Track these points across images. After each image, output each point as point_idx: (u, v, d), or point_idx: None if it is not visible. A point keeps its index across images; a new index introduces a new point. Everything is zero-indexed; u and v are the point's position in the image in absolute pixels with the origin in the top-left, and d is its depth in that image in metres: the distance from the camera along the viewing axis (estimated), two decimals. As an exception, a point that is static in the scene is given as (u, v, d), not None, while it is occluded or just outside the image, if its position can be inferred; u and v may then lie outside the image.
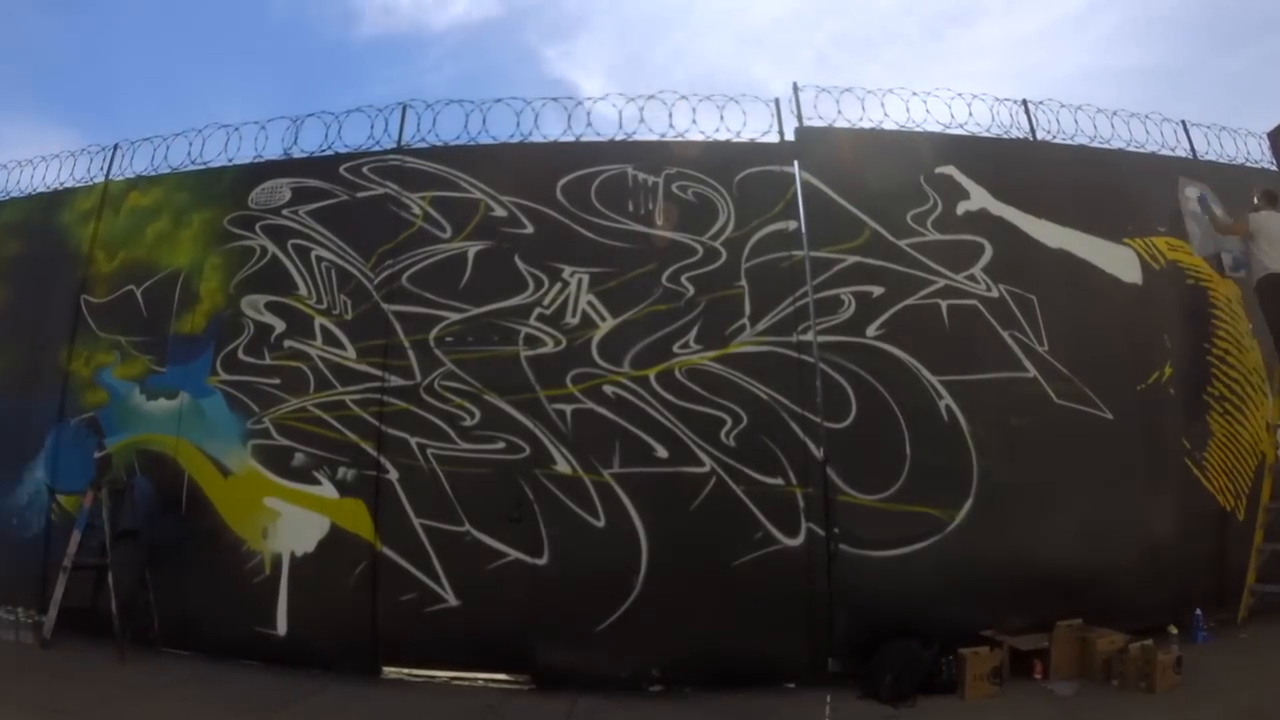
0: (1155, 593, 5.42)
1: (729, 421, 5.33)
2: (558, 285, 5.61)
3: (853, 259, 5.63)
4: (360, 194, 5.98)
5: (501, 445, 5.39)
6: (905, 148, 5.98)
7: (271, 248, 6.01)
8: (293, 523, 5.53)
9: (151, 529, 5.67)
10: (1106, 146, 6.38)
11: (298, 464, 5.60)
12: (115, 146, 6.81)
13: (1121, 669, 4.64)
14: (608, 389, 5.41)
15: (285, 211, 6.06)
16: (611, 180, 5.79)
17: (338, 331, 5.76)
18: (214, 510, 5.66)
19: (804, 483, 5.26)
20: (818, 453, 5.32)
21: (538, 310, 5.58)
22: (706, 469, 5.27)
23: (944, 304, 5.63)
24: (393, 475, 5.44)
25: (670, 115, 5.91)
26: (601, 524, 5.23)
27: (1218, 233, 6.28)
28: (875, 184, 5.80)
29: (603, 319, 5.53)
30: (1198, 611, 5.22)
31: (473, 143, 6.00)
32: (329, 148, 6.17)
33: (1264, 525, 5.57)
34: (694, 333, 5.47)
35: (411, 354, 5.60)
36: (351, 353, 5.70)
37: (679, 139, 5.92)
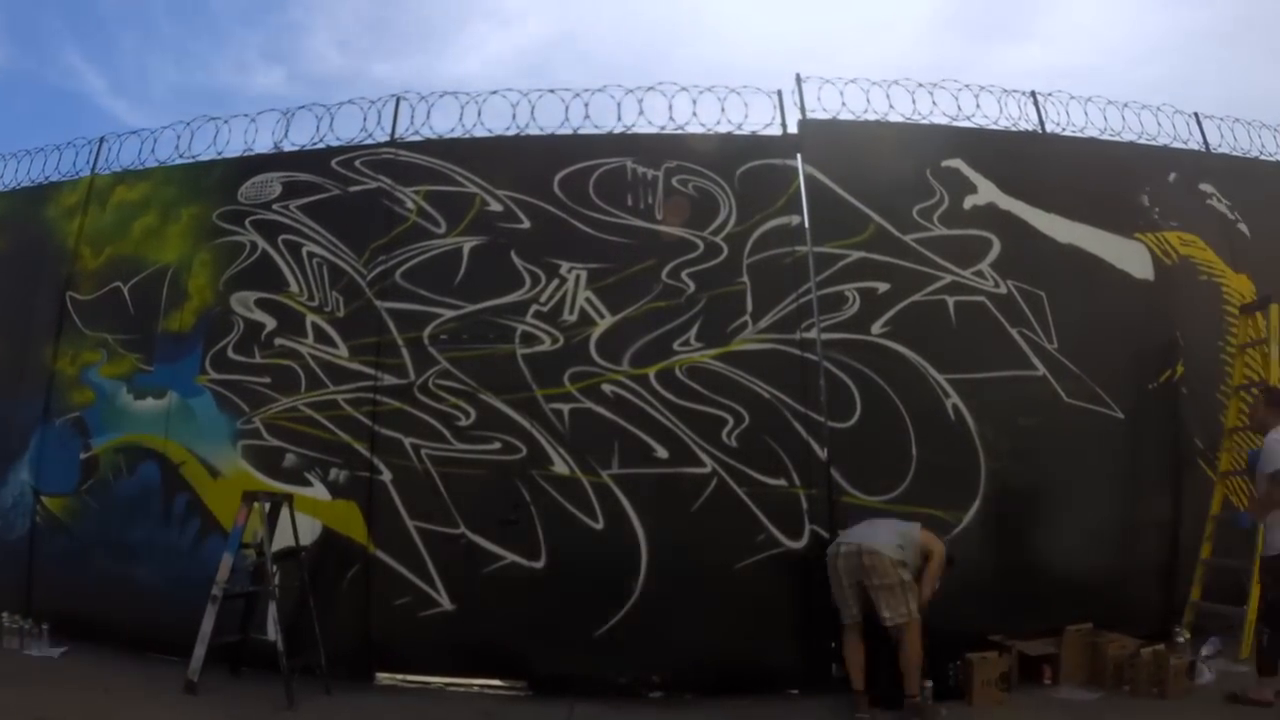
0: (1167, 597, 5.40)
1: (730, 421, 5.30)
2: (555, 282, 5.57)
3: (857, 254, 5.59)
4: (353, 188, 5.93)
5: (498, 446, 5.35)
6: (911, 140, 5.93)
7: (262, 243, 5.96)
8: (283, 525, 5.48)
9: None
10: (1117, 139, 6.34)
11: (289, 465, 5.56)
12: (101, 140, 6.76)
13: (1133, 675, 4.61)
14: (606, 388, 5.38)
15: (276, 206, 6.01)
16: (610, 174, 5.75)
17: (329, 329, 5.71)
18: (208, 512, 5.62)
19: (807, 484, 5.23)
20: (821, 453, 5.29)
21: (535, 307, 5.54)
22: (707, 470, 5.24)
23: (951, 300, 5.60)
24: (386, 476, 5.40)
25: (670, 107, 5.87)
26: (600, 526, 5.20)
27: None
28: (880, 177, 5.75)
29: (601, 316, 5.49)
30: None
31: (468, 136, 5.94)
32: (320, 141, 6.12)
33: (1210, 537, 5.41)
34: (695, 330, 5.44)
35: (405, 352, 5.56)
36: (344, 351, 5.66)
37: (679, 132, 5.87)
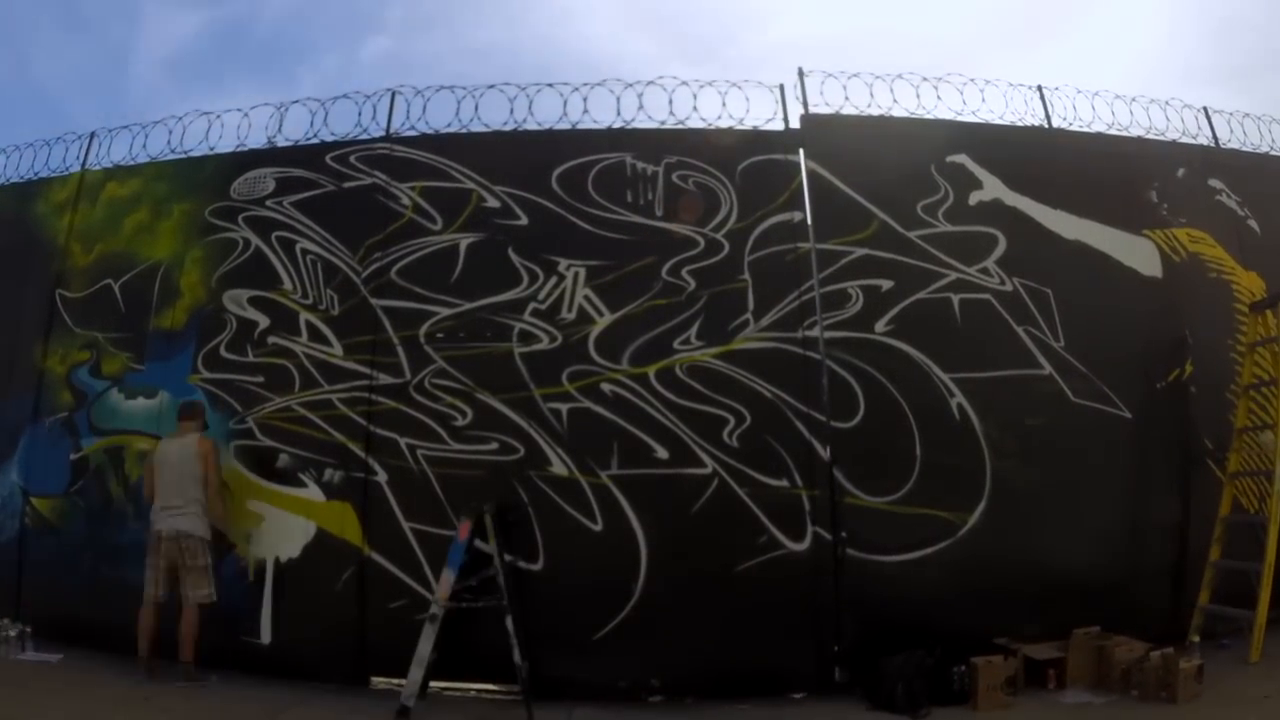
0: (1176, 599, 5.40)
1: (732, 421, 5.30)
2: (553, 279, 5.56)
3: (861, 251, 5.59)
4: (347, 184, 5.93)
5: (495, 446, 5.35)
6: (915, 135, 5.92)
7: (255, 240, 5.96)
8: (277, 527, 5.49)
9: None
10: (1125, 134, 6.34)
11: (282, 465, 5.56)
12: (92, 134, 6.74)
13: (1141, 679, 4.59)
14: (605, 387, 5.38)
15: (269, 202, 6.00)
16: (609, 170, 5.74)
17: (324, 327, 5.71)
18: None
19: (810, 485, 5.23)
20: (824, 453, 5.29)
21: (532, 305, 5.53)
22: (708, 470, 5.24)
23: (956, 298, 5.59)
24: (381, 477, 5.40)
25: (670, 102, 5.85)
26: (599, 528, 5.20)
27: None
28: (884, 173, 5.74)
29: (600, 314, 5.49)
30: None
31: (465, 130, 5.94)
32: (315, 136, 6.12)
33: (1220, 539, 5.42)
34: (695, 328, 5.43)
35: (401, 351, 5.56)
36: (338, 349, 5.65)
37: (679, 127, 5.86)
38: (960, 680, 4.66)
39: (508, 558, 5.00)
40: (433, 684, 5.12)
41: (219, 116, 6.31)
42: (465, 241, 5.68)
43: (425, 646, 4.67)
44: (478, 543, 4.92)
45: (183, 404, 5.63)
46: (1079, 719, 4.40)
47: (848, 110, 5.97)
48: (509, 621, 4.69)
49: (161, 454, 5.38)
